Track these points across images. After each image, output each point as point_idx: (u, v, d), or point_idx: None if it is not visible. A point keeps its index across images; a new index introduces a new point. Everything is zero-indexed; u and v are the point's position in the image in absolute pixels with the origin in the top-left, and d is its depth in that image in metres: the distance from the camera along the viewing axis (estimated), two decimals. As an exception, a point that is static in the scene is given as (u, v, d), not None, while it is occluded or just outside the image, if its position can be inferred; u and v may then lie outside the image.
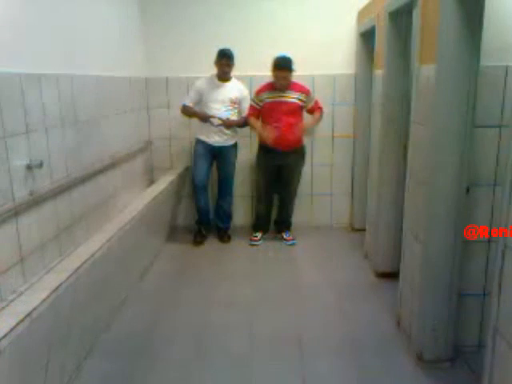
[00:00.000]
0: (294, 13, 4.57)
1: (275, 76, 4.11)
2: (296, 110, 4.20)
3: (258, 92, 4.26)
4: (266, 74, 4.35)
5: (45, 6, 2.61)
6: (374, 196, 3.85)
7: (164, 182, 4.34)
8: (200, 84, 4.30)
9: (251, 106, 4.30)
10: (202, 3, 4.57)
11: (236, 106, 4.32)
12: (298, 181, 4.53)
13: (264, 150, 4.33)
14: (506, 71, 2.39)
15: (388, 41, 3.38)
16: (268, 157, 4.31)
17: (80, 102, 3.02)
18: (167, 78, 4.73)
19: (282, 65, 4.07)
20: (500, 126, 2.45)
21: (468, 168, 2.41)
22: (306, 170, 4.65)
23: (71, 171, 2.86)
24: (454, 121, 2.34)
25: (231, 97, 4.27)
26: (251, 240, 4.53)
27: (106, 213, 3.43)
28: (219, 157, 4.42)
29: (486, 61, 2.35)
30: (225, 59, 4.15)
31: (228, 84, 4.29)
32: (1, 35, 2.21)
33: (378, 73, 3.68)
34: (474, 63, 2.30)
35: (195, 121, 4.42)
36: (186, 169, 4.89)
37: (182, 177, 4.80)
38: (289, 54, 4.10)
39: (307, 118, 4.33)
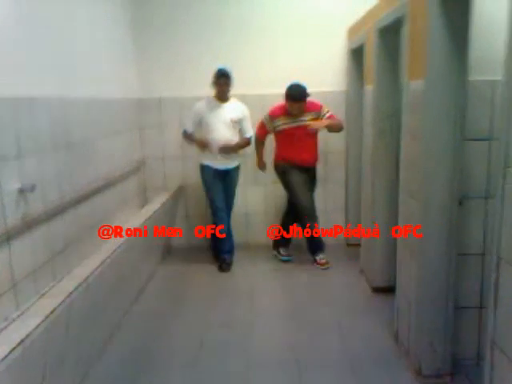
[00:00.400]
0: (284, 30, 4.62)
1: (290, 106, 4.11)
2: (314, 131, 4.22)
3: (273, 116, 4.22)
4: (257, 92, 4.40)
5: (37, 30, 2.63)
6: (367, 211, 3.85)
7: (158, 202, 4.34)
8: (199, 106, 4.22)
9: (262, 124, 4.29)
10: (194, 25, 4.61)
11: (236, 127, 4.23)
12: None
13: (291, 165, 4.26)
14: (493, 85, 2.42)
15: (378, 57, 3.43)
16: (297, 169, 4.26)
17: (72, 124, 3.02)
18: (160, 98, 4.75)
19: (297, 97, 4.06)
20: (490, 139, 2.47)
21: (460, 181, 2.42)
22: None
23: (64, 194, 2.85)
24: (444, 134, 2.36)
25: (232, 117, 4.17)
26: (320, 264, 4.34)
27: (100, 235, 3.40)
28: (224, 179, 4.34)
29: (473, 75, 2.38)
30: (223, 79, 4.08)
31: (227, 104, 4.20)
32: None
33: (369, 89, 3.72)
34: (462, 78, 2.33)
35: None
36: (180, 188, 4.88)
37: (175, 196, 4.79)
38: (301, 82, 4.08)
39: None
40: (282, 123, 4.19)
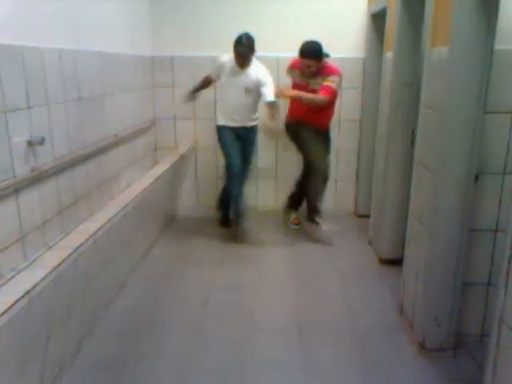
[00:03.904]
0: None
1: (301, 63, 3.91)
2: None
3: (292, 66, 4.10)
4: (272, 54, 4.27)
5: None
6: (379, 182, 3.80)
7: (168, 163, 4.30)
8: (223, 62, 3.99)
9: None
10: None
11: (252, 93, 3.96)
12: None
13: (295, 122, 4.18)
14: (522, 55, 2.32)
15: (399, 22, 3.30)
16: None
17: (83, 78, 2.96)
18: (172, 57, 4.65)
19: (305, 52, 3.83)
20: (512, 112, 2.39)
21: (478, 155, 2.36)
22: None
23: (74, 149, 2.82)
24: (466, 106, 2.28)
25: (246, 85, 3.93)
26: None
27: (109, 192, 3.39)
28: (240, 137, 4.18)
29: (500, 44, 2.28)
30: (238, 50, 3.80)
31: (246, 70, 3.92)
32: (1, 7, 2.16)
33: (388, 55, 3.60)
34: (489, 46, 2.22)
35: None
36: (190, 150, 4.83)
37: (185, 157, 4.76)
38: (317, 39, 3.85)
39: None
40: (296, 77, 4.05)
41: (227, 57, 3.98)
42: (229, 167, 4.13)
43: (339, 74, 3.92)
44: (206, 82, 4.22)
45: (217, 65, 4.04)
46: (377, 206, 3.87)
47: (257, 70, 3.96)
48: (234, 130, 4.10)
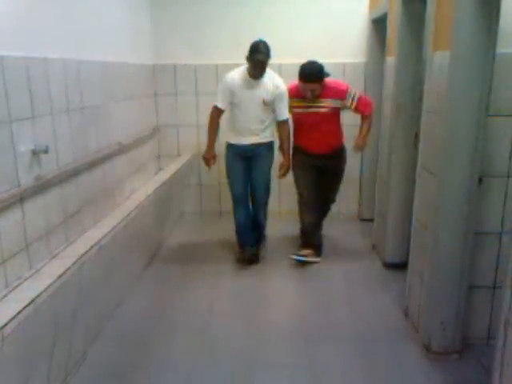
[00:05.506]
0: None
1: (301, 88, 3.54)
2: (330, 117, 3.65)
3: (289, 94, 3.66)
4: (273, 61, 4.29)
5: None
6: (382, 186, 3.80)
7: (171, 170, 4.32)
8: (231, 80, 3.61)
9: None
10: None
11: (269, 105, 3.61)
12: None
13: (300, 152, 3.80)
14: (523, 59, 2.32)
15: (401, 27, 3.32)
16: (307, 158, 3.77)
17: (87, 87, 2.98)
18: (175, 65, 4.68)
19: (309, 78, 3.47)
20: (515, 115, 2.39)
21: (481, 158, 2.36)
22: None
23: (78, 157, 2.84)
24: (468, 109, 2.28)
25: (264, 97, 3.58)
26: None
27: (113, 200, 3.40)
28: (250, 160, 3.79)
29: (502, 47, 2.28)
30: (257, 59, 3.45)
31: (261, 81, 3.58)
32: (6, 18, 2.18)
33: (390, 60, 3.62)
34: (490, 50, 2.23)
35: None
36: (193, 157, 4.85)
37: (189, 165, 4.77)
38: (317, 61, 3.55)
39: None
40: (296, 105, 3.66)
41: (234, 73, 3.65)
42: (231, 192, 3.84)
43: (347, 86, 3.63)
44: (217, 122, 3.77)
45: (227, 85, 3.62)
46: (380, 209, 3.87)
47: (272, 78, 3.63)
48: (243, 151, 3.72)
